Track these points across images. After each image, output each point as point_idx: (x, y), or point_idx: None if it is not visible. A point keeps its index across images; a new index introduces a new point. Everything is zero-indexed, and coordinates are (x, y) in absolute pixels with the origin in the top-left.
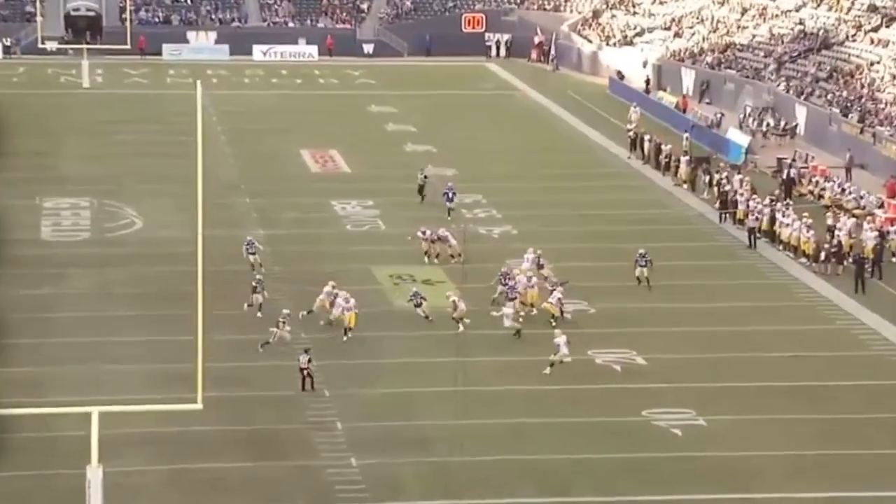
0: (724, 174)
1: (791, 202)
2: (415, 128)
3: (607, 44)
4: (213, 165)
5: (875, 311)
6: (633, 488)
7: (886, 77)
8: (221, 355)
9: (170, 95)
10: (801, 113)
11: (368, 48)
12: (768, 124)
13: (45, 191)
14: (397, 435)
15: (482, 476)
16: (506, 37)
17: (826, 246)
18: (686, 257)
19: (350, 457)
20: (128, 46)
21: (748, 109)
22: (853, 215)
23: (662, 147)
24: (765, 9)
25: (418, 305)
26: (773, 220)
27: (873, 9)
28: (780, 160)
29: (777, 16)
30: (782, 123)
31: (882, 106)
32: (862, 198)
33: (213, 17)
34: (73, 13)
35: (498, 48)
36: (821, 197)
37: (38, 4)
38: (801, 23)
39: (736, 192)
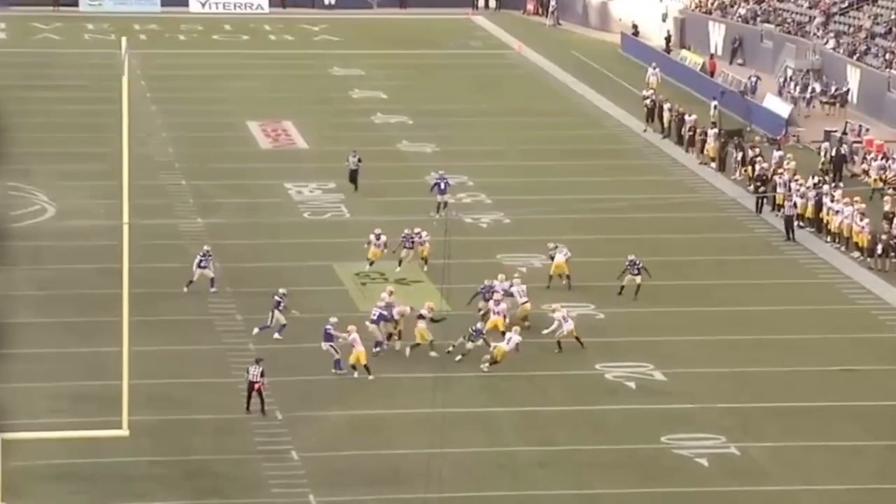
0: (760, 150)
1: (841, 184)
2: (386, 94)
3: None
4: (141, 141)
5: None
6: None
7: None
8: (151, 371)
9: (89, 56)
10: (853, 76)
11: None
12: (814, 90)
13: None
14: (364, 466)
15: None
16: None
17: (883, 237)
18: (714, 251)
19: (308, 493)
20: None
21: (790, 72)
22: None
23: (686, 118)
24: None
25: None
26: (819, 205)
27: None
28: (827, 133)
29: None
30: (831, 89)
31: None
32: None
33: None
34: None
35: None
36: (879, 179)
37: None
38: None
39: (774, 172)
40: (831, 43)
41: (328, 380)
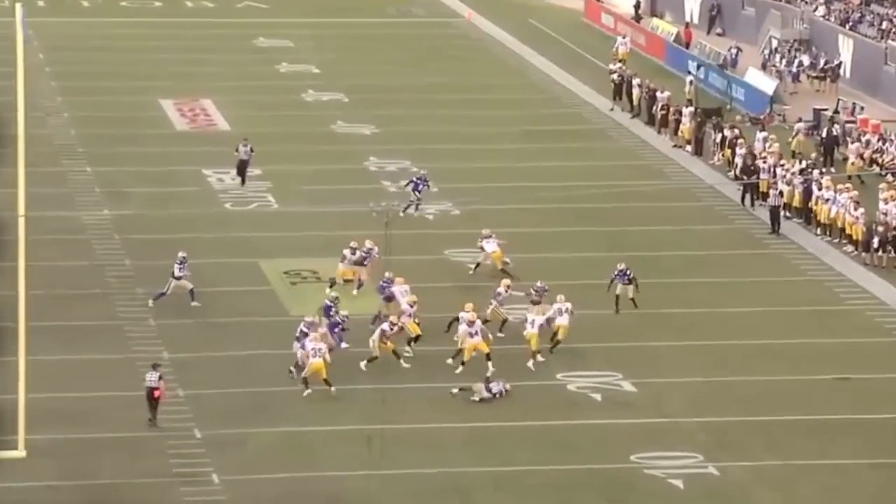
0: (741, 131)
1: (833, 169)
2: (318, 69)
3: None
4: (40, 122)
5: None
6: None
7: None
8: (52, 383)
9: None
10: (845, 48)
11: None
12: (801, 63)
13: None
14: (295, 491)
15: None
16: None
17: (880, 229)
18: (690, 246)
19: None
20: None
21: (774, 43)
22: None
23: (658, 95)
24: None
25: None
26: (808, 194)
27: None
28: (817, 112)
29: None
30: (820, 62)
31: None
32: None
33: None
34: None
35: None
36: (873, 162)
37: None
38: None
39: (757, 155)
40: (821, 10)
41: (253, 392)
